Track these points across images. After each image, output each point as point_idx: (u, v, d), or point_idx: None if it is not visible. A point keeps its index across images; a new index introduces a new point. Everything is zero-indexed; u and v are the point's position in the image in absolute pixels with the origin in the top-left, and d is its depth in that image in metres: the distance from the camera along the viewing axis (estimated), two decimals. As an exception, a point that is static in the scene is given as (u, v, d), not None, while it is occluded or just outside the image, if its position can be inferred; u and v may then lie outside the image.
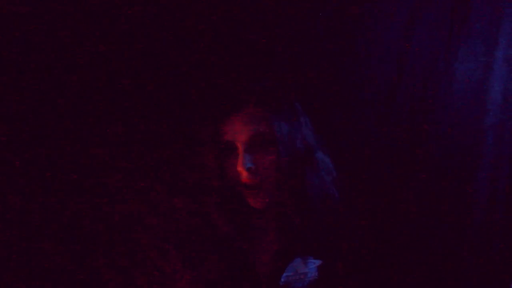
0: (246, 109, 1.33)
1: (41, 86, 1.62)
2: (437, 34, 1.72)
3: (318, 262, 1.40)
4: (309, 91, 1.64)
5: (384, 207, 1.72)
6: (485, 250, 1.72)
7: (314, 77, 1.70)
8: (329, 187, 1.42)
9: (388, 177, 1.74)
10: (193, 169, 1.46)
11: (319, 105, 1.61)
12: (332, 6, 1.71)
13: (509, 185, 1.72)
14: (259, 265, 1.39)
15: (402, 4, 1.72)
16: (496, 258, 1.72)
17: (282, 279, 1.37)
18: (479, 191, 1.73)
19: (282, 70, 1.67)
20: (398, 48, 1.74)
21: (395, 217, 1.73)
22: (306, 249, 1.40)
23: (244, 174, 1.31)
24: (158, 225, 1.64)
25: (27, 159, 1.61)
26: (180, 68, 1.66)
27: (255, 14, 1.68)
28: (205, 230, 1.40)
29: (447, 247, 1.73)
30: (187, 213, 1.45)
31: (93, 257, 1.66)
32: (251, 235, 1.40)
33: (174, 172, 1.64)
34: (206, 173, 1.37)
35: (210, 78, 1.63)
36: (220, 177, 1.35)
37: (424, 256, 1.72)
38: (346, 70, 1.73)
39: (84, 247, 1.66)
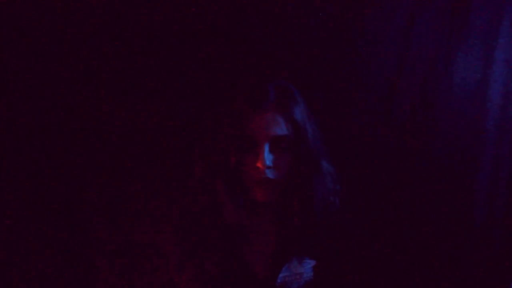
0: (268, 107, 1.36)
1: (41, 85, 1.64)
2: (437, 34, 1.72)
3: (313, 263, 1.41)
4: (308, 92, 1.65)
5: (383, 207, 1.73)
6: (485, 250, 1.72)
7: (313, 78, 1.70)
8: (332, 195, 1.45)
9: (387, 177, 1.74)
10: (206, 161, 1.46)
11: (317, 106, 1.62)
12: (332, 6, 1.72)
13: (509, 185, 1.72)
14: (256, 265, 1.40)
15: (401, 4, 1.72)
16: (496, 258, 1.72)
17: (279, 280, 1.38)
18: (479, 191, 1.73)
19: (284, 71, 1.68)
20: (398, 48, 1.74)
21: (395, 217, 1.73)
22: (302, 249, 1.41)
23: (262, 171, 1.33)
24: (157, 224, 1.65)
25: (27, 159, 1.63)
26: (201, 65, 1.69)
27: (255, 14, 1.69)
28: (203, 229, 1.41)
29: (447, 247, 1.73)
30: (186, 212, 1.46)
31: (92, 257, 1.67)
32: (248, 235, 1.42)
33: (179, 166, 1.66)
34: (219, 165, 1.39)
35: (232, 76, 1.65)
36: (232, 170, 1.37)
37: (423, 256, 1.73)
38: (346, 70, 1.73)
39: (83, 247, 1.68)
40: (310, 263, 1.41)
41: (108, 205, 1.68)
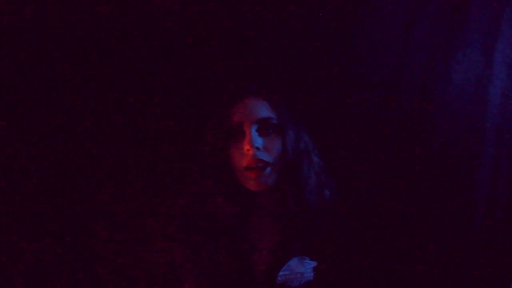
0: (248, 98, 1.39)
1: (42, 86, 1.64)
2: (436, 35, 1.72)
3: (314, 263, 1.41)
4: (306, 91, 1.65)
5: (383, 208, 1.72)
6: (485, 250, 1.72)
7: (312, 77, 1.70)
8: (326, 188, 1.45)
9: (387, 178, 1.74)
10: (197, 157, 1.47)
11: (316, 106, 1.62)
12: (331, 6, 1.72)
13: (509, 185, 1.72)
14: (257, 262, 1.40)
15: (401, 4, 1.72)
16: (496, 258, 1.71)
17: (279, 278, 1.38)
18: (479, 191, 1.72)
19: (280, 69, 1.69)
20: (398, 48, 1.74)
21: (394, 217, 1.73)
22: (303, 249, 1.41)
23: (251, 153, 1.34)
24: (161, 222, 1.65)
25: (27, 159, 1.63)
26: (184, 65, 1.69)
27: (255, 13, 1.69)
28: (207, 227, 1.41)
29: (447, 247, 1.73)
30: (190, 211, 1.46)
31: (94, 257, 1.67)
32: (249, 232, 1.42)
33: (177, 167, 1.66)
34: (210, 158, 1.39)
35: (212, 73, 1.66)
36: (223, 160, 1.38)
37: (423, 256, 1.72)
38: (345, 70, 1.73)
39: (86, 247, 1.67)
40: (311, 264, 1.41)
41: (109, 203, 1.67)
